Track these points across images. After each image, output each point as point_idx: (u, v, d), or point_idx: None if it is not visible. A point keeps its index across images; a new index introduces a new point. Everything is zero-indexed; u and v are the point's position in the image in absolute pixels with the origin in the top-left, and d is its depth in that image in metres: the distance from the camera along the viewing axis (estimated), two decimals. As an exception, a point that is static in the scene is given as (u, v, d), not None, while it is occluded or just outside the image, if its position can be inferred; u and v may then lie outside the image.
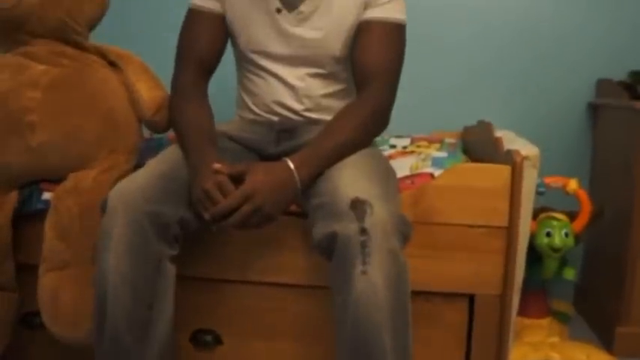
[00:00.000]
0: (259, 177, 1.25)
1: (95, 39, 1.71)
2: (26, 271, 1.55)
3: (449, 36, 2.43)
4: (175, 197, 1.32)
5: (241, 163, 1.32)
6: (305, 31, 1.47)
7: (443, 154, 1.76)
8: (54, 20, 1.59)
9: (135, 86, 1.61)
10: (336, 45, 1.48)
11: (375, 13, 1.45)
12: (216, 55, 1.55)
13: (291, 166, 1.28)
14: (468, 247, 1.51)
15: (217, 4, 1.51)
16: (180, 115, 1.46)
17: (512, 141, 1.82)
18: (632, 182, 2.04)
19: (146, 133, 1.71)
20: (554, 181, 2.03)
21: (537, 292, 2.08)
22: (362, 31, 1.46)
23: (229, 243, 1.53)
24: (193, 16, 1.53)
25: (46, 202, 1.55)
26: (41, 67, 1.56)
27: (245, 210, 1.23)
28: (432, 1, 2.36)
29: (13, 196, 1.56)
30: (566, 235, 1.99)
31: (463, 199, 1.50)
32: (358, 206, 1.18)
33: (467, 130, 2.13)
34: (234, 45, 1.57)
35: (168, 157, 1.41)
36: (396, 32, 1.46)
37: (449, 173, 1.52)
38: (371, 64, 1.43)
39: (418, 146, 1.94)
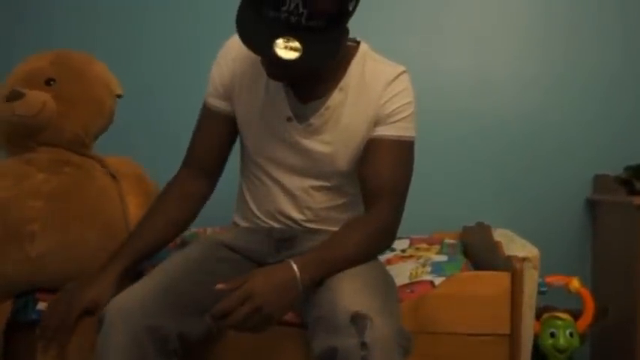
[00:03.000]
0: (260, 278, 1.25)
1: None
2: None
3: (446, 137, 2.48)
4: (175, 310, 1.31)
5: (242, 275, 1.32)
6: (313, 144, 1.48)
7: (443, 257, 1.76)
8: (69, 133, 1.63)
9: (125, 199, 1.65)
10: (342, 160, 1.48)
11: (386, 131, 1.44)
12: (218, 157, 1.56)
13: (294, 267, 1.27)
14: (470, 356, 1.50)
15: (225, 105, 1.53)
16: (154, 202, 1.54)
17: (511, 241, 1.82)
18: (634, 278, 2.04)
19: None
20: (555, 280, 2.03)
21: (544, 395, 2.04)
22: (372, 148, 1.45)
23: (228, 356, 1.50)
24: (204, 113, 1.56)
25: (41, 313, 1.51)
26: (41, 176, 1.57)
27: (245, 309, 1.21)
28: (430, 104, 2.41)
29: (8, 306, 1.53)
30: (571, 334, 1.97)
31: (464, 308, 1.50)
32: (358, 321, 1.16)
33: (466, 230, 2.14)
34: (243, 146, 1.59)
35: (167, 269, 1.40)
36: (406, 150, 1.46)
37: (449, 282, 1.52)
38: (380, 182, 1.42)
39: (417, 249, 1.94)
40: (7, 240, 1.51)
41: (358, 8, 1.34)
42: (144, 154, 1.94)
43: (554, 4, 2.48)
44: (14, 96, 1.56)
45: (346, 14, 1.29)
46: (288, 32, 1.24)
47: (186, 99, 2.48)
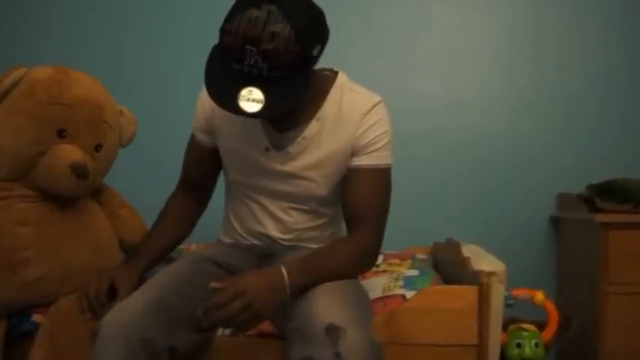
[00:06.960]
0: (252, 277, 1.32)
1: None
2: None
3: (417, 157, 2.56)
4: (166, 324, 1.36)
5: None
6: (290, 171, 1.53)
7: (414, 272, 1.83)
8: (93, 187, 1.66)
9: (119, 211, 1.71)
10: (319, 186, 1.53)
11: (364, 161, 1.48)
12: (208, 180, 1.68)
13: (284, 271, 1.34)
14: (440, 367, 1.55)
15: (209, 138, 1.60)
16: (156, 223, 1.65)
17: (479, 256, 1.88)
18: (596, 292, 2.12)
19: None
20: (521, 293, 2.09)
21: (511, 404, 2.09)
22: (352, 176, 1.49)
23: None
24: (191, 141, 1.65)
25: (34, 324, 1.53)
26: (22, 205, 1.56)
27: (237, 305, 1.27)
28: (401, 125, 2.45)
29: (2, 326, 1.53)
30: (536, 345, 2.02)
31: (434, 320, 1.56)
32: (332, 332, 1.22)
33: (436, 246, 2.20)
34: (225, 172, 1.66)
35: (158, 283, 1.44)
36: (383, 176, 1.50)
37: (420, 295, 1.59)
38: (362, 208, 1.47)
39: (390, 264, 2.00)
40: (2, 268, 1.51)
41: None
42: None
43: (517, 31, 2.58)
44: (82, 174, 1.54)
45: (309, 60, 1.34)
46: (251, 83, 1.29)
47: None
